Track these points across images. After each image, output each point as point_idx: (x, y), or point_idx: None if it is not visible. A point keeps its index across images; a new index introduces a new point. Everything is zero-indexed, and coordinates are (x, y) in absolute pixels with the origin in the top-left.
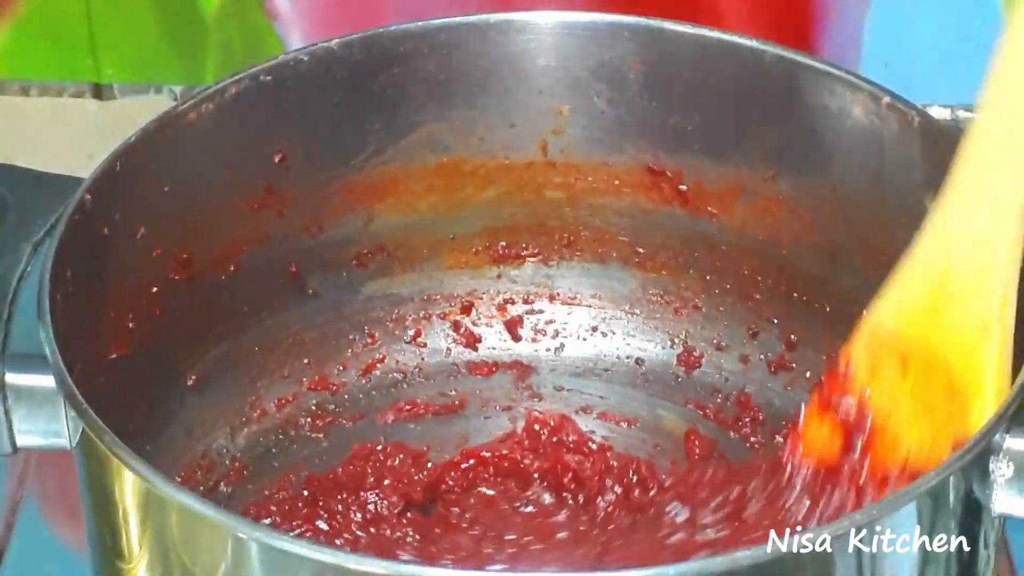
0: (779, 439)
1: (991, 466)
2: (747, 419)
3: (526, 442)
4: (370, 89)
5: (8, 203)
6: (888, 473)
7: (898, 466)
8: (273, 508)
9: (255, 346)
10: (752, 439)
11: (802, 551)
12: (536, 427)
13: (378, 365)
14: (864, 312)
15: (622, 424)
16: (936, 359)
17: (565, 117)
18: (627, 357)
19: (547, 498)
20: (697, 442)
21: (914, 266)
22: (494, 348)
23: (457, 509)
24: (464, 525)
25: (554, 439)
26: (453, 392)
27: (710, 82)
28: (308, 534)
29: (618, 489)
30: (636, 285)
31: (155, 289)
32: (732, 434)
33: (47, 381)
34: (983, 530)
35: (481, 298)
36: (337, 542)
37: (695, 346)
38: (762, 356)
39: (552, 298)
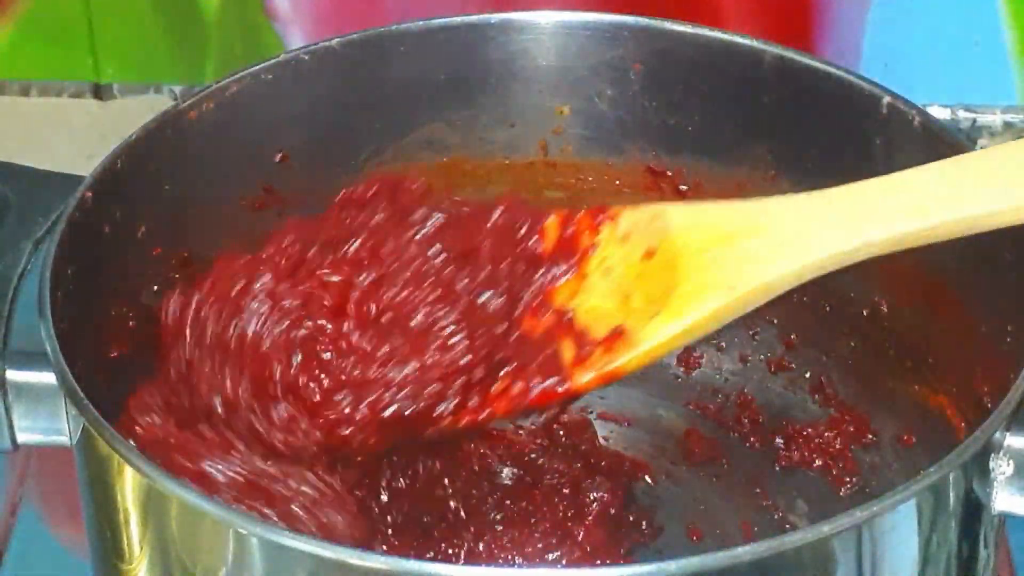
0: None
1: (991, 464)
2: (747, 419)
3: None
4: (370, 89)
5: (9, 201)
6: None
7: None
8: None
9: None
10: (752, 439)
11: (802, 548)
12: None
13: None
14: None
15: (622, 424)
16: (681, 268)
17: (565, 117)
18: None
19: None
20: (697, 442)
21: (737, 210)
22: None
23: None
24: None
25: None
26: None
27: (710, 82)
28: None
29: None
30: None
31: (155, 287)
32: (732, 434)
33: (48, 378)
34: (983, 529)
35: None
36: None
37: (695, 346)
38: (762, 356)
39: None
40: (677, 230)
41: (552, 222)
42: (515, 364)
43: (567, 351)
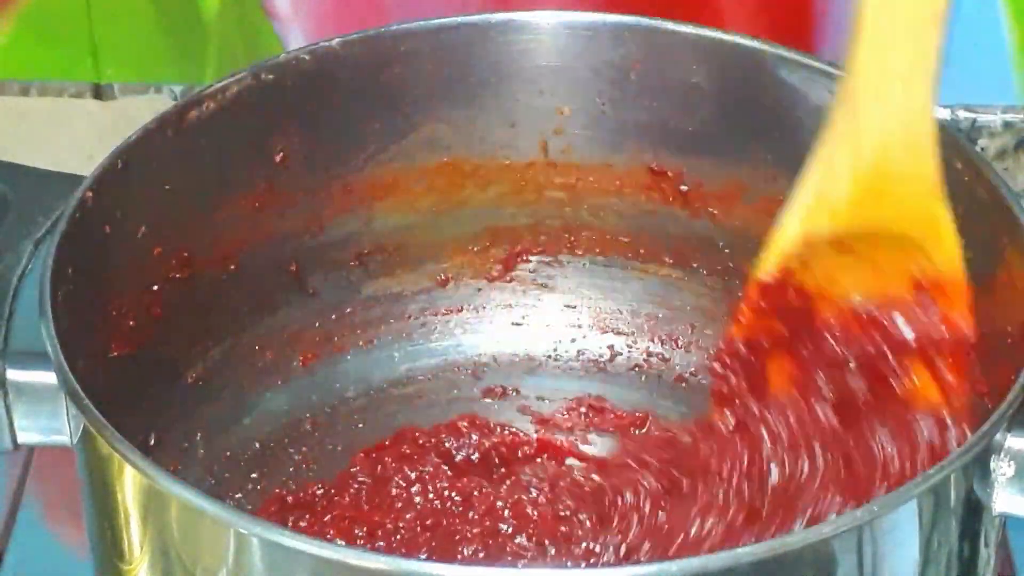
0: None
1: (992, 465)
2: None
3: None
4: (370, 89)
5: (9, 201)
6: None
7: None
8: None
9: (255, 345)
10: None
11: (803, 549)
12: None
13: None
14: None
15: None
16: (880, 231)
17: (566, 117)
18: (628, 356)
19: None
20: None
21: (834, 165)
22: (495, 347)
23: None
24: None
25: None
26: (455, 392)
27: (710, 82)
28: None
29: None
30: (637, 285)
31: (156, 287)
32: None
33: (48, 378)
34: (984, 529)
35: (482, 298)
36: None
37: (696, 346)
38: None
39: (553, 298)
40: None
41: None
42: None
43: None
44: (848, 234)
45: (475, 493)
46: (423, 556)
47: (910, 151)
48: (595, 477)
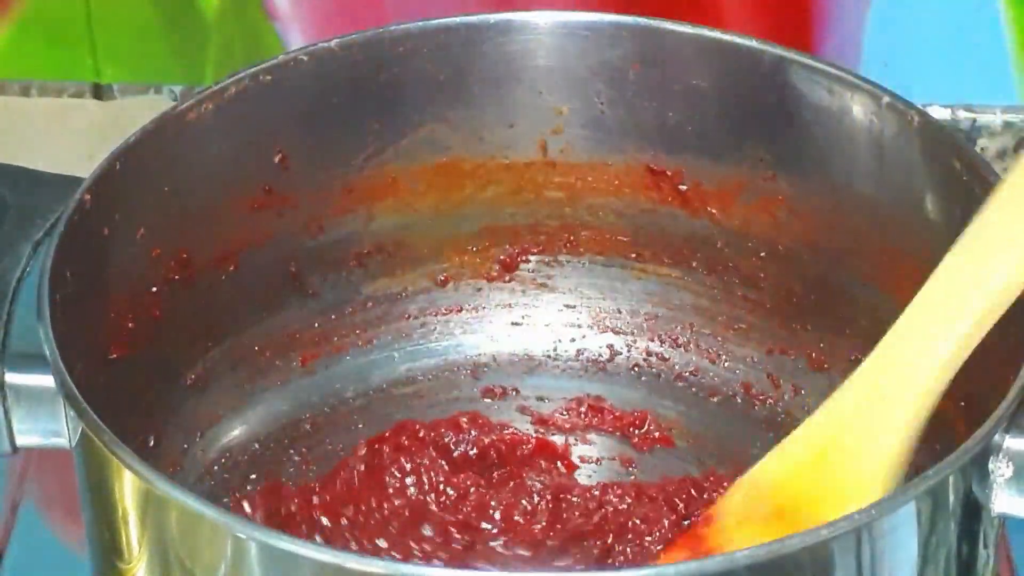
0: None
1: (990, 466)
2: (748, 418)
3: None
4: (370, 89)
5: (8, 203)
6: None
7: None
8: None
9: (254, 346)
10: (751, 438)
11: (801, 552)
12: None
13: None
14: (869, 315)
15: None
16: (812, 511)
17: (565, 117)
18: (627, 356)
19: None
20: (697, 441)
21: (811, 427)
22: (494, 347)
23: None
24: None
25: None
26: (454, 391)
27: (710, 82)
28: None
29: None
30: (636, 285)
31: (155, 289)
32: (733, 432)
33: (47, 381)
34: (983, 530)
35: (481, 298)
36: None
37: (695, 345)
38: (764, 356)
39: (552, 298)
40: (774, 483)
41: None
42: None
43: None
44: (785, 497)
45: (471, 490)
46: (383, 540)
47: (862, 448)
48: (603, 509)
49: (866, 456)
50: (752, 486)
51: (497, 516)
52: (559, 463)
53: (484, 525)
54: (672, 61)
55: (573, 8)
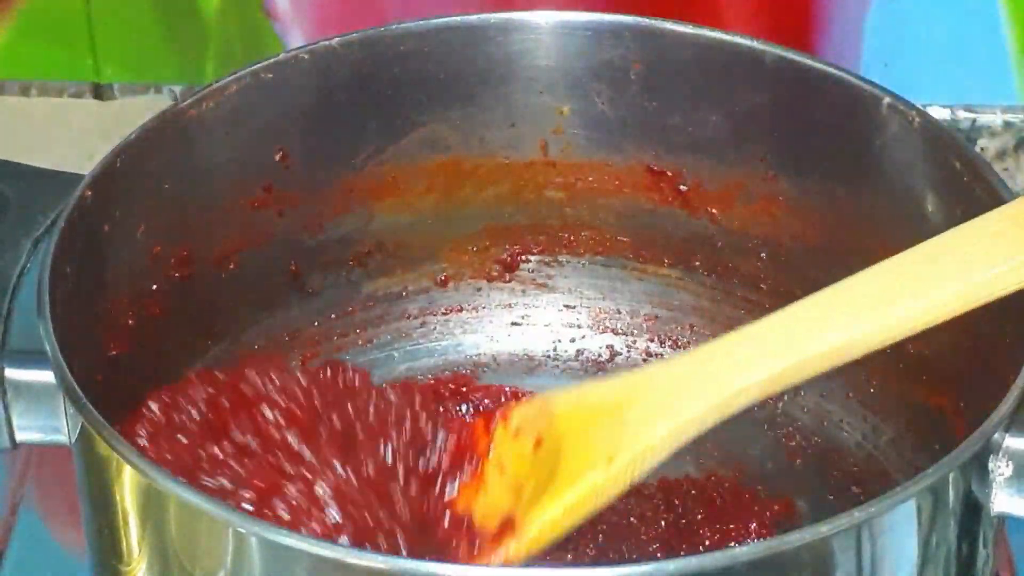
0: None
1: (990, 465)
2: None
3: None
4: (370, 89)
5: (8, 199)
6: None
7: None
8: None
9: (254, 345)
10: (751, 438)
11: (800, 549)
12: None
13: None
14: None
15: None
16: (565, 450)
17: (565, 117)
18: (627, 356)
19: None
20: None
21: (621, 381)
22: (494, 347)
23: None
24: None
25: None
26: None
27: (710, 82)
28: None
29: None
30: (636, 285)
31: (155, 287)
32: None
33: (47, 377)
34: (982, 530)
35: (481, 298)
36: None
37: (694, 345)
38: None
39: (552, 298)
40: (560, 415)
41: (449, 437)
42: None
43: (462, 552)
44: (555, 431)
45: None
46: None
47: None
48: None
49: (629, 430)
50: (538, 407)
51: None
52: None
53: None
54: (672, 61)
55: (573, 8)
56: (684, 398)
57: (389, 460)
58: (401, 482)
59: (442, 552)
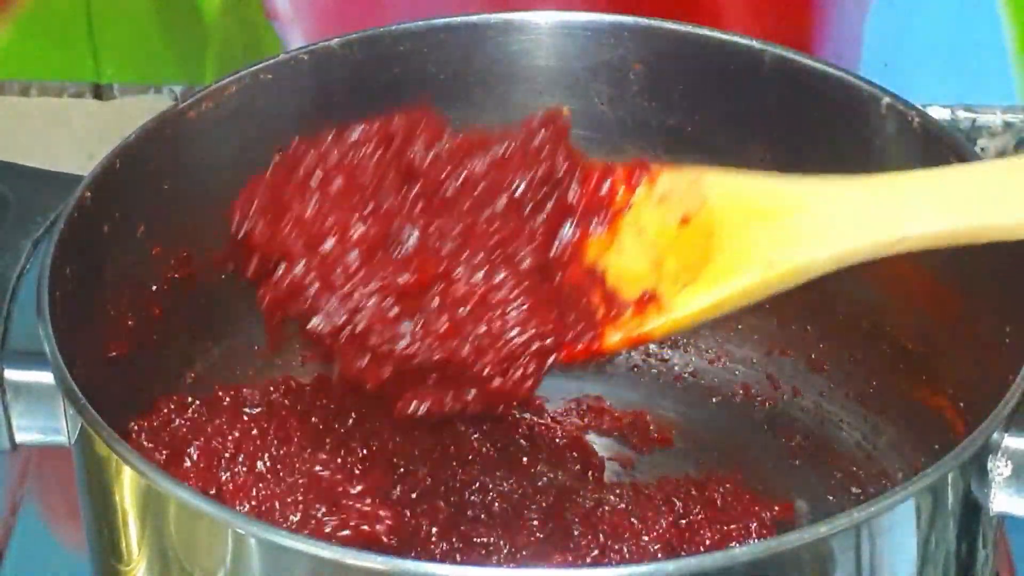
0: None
1: (989, 465)
2: (747, 418)
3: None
4: (370, 88)
5: (8, 200)
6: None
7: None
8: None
9: (254, 345)
10: (751, 438)
11: (800, 549)
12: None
13: None
14: (869, 315)
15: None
16: (718, 239)
17: (565, 117)
18: (627, 357)
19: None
20: (696, 442)
21: (785, 185)
22: None
23: None
24: None
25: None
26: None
27: (710, 82)
28: None
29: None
30: None
31: (154, 287)
32: (732, 433)
33: (46, 378)
34: (981, 529)
35: None
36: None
37: (695, 346)
38: (763, 357)
39: None
40: (716, 200)
41: (587, 172)
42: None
43: (598, 308)
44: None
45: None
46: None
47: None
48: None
49: (794, 239)
50: (692, 180)
51: (495, 505)
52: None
53: (482, 516)
54: (672, 61)
55: (574, 8)
56: (853, 224)
57: (519, 194)
58: (527, 218)
59: (569, 307)
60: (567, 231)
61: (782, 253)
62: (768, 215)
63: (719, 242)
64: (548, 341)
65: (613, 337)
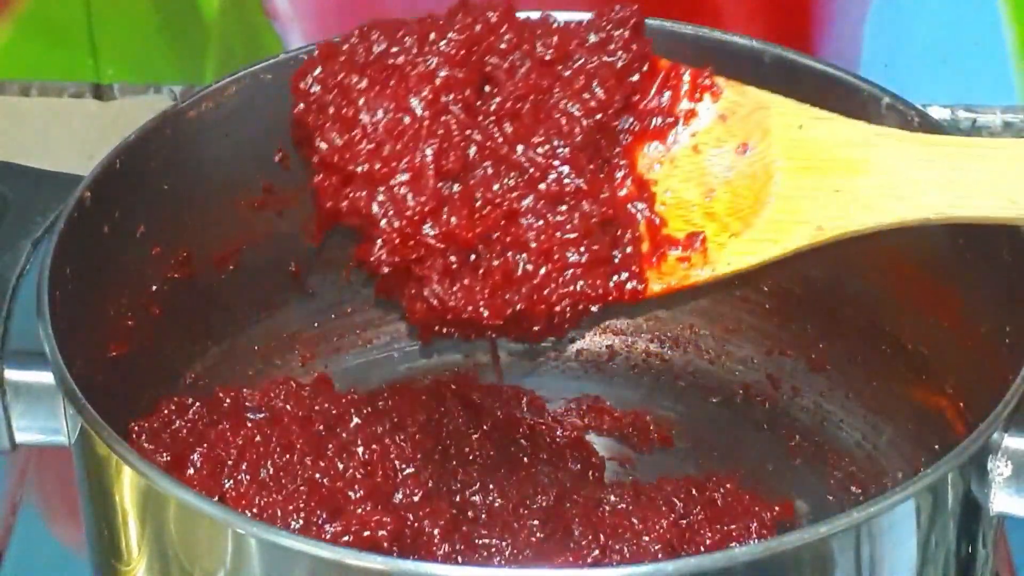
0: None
1: (989, 465)
2: (747, 418)
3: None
4: None
5: (8, 201)
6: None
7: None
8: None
9: (254, 345)
10: (751, 438)
11: (800, 549)
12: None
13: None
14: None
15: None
16: (774, 184)
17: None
18: (627, 357)
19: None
20: (696, 442)
21: (853, 136)
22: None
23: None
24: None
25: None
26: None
27: None
28: None
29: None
30: None
31: (154, 287)
32: (732, 433)
33: (46, 378)
34: (981, 529)
35: None
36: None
37: (695, 346)
38: (763, 357)
39: None
40: (779, 137)
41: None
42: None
43: (643, 241)
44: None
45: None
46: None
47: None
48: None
49: (851, 203)
50: (757, 105)
51: (496, 505)
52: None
53: (483, 517)
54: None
55: (573, 8)
56: (919, 193)
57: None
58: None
59: (615, 243)
60: (624, 125)
61: (834, 220)
62: (832, 168)
63: (775, 189)
64: (595, 296)
65: (655, 286)
